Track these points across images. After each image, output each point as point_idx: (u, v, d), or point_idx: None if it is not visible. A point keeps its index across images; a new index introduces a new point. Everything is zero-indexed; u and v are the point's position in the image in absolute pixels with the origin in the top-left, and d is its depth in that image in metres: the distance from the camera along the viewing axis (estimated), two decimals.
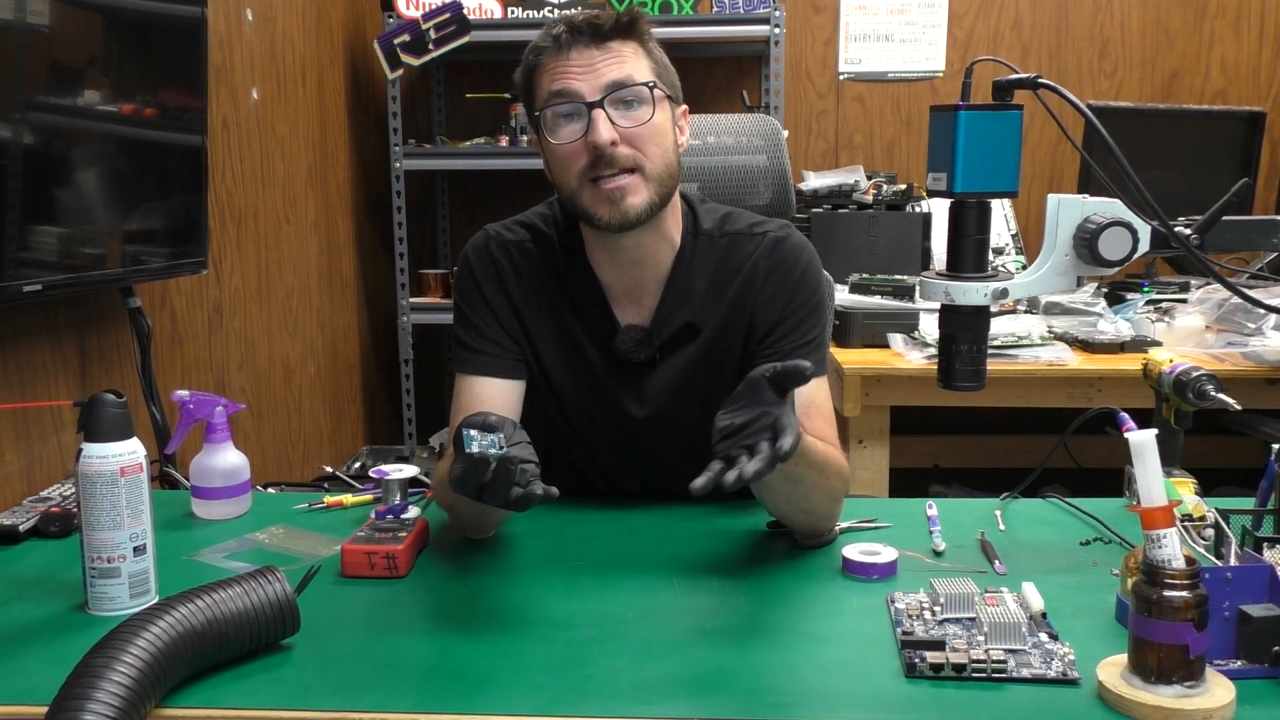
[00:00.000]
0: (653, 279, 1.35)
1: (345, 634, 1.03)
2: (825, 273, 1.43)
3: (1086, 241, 1.09)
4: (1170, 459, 1.32)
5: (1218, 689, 0.85)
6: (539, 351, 1.36)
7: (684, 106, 1.35)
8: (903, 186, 2.85)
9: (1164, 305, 2.58)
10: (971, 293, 1.09)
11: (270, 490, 1.58)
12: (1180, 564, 0.86)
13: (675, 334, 1.35)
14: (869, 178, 2.92)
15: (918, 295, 2.44)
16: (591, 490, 1.42)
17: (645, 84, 1.26)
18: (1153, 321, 2.46)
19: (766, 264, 1.35)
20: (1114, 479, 1.45)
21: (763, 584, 1.14)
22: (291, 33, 2.63)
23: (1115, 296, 2.67)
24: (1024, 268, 1.84)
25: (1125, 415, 1.12)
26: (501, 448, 0.98)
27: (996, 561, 1.18)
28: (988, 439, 3.30)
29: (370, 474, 1.36)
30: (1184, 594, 0.85)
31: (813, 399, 1.30)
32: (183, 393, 1.40)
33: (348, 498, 1.42)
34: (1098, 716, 0.86)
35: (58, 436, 1.63)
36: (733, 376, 1.28)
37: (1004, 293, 1.10)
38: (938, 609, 1.01)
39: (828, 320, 1.37)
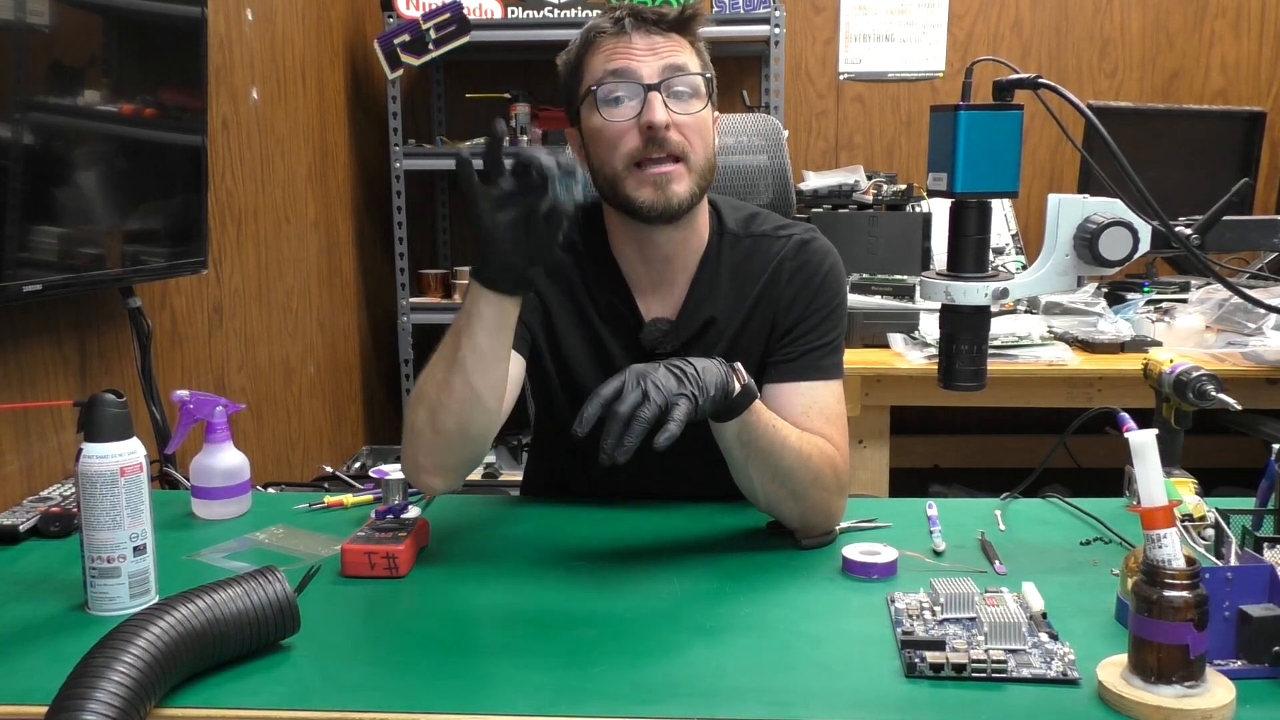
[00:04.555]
0: (680, 274, 1.36)
1: (345, 634, 1.03)
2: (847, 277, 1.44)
3: (1087, 241, 1.09)
4: (1170, 459, 1.32)
5: (1218, 689, 0.85)
6: (561, 344, 1.37)
7: (718, 114, 1.37)
8: (903, 186, 2.85)
9: (1164, 305, 2.58)
10: (972, 293, 1.09)
11: (270, 490, 1.58)
12: (1180, 564, 0.86)
13: (699, 330, 1.35)
14: (869, 178, 2.92)
15: (918, 295, 2.44)
16: (595, 489, 1.41)
17: (702, 75, 1.28)
18: (1153, 321, 2.46)
19: (791, 265, 1.36)
20: (1114, 479, 1.45)
21: (763, 584, 1.14)
22: (291, 33, 2.62)
23: (1115, 296, 2.67)
24: (1024, 268, 1.84)
25: (1125, 415, 1.11)
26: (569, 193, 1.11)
27: (996, 561, 1.18)
28: (988, 439, 3.30)
29: (370, 474, 1.36)
30: (1184, 594, 0.85)
31: (818, 399, 1.30)
32: (183, 393, 1.40)
33: (348, 498, 1.42)
34: (1098, 716, 0.86)
35: (58, 436, 1.63)
36: (753, 377, 1.28)
37: (1004, 293, 1.10)
38: (938, 609, 1.01)
39: (845, 326, 1.38)
